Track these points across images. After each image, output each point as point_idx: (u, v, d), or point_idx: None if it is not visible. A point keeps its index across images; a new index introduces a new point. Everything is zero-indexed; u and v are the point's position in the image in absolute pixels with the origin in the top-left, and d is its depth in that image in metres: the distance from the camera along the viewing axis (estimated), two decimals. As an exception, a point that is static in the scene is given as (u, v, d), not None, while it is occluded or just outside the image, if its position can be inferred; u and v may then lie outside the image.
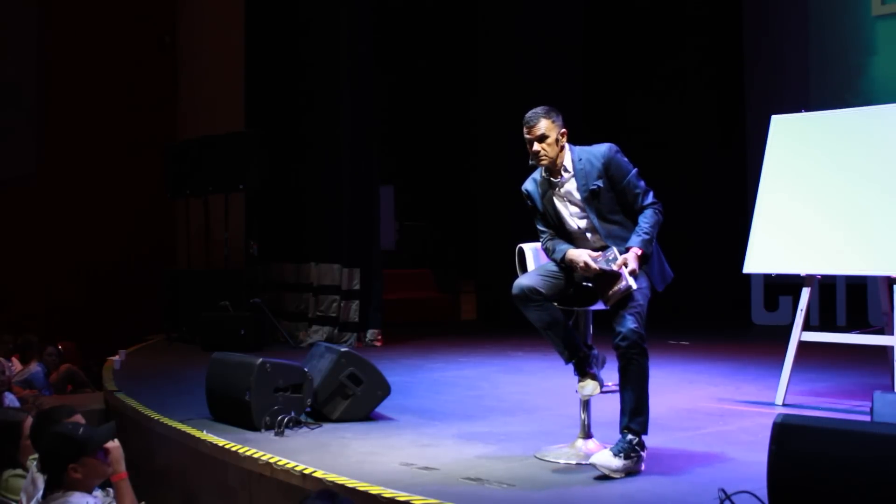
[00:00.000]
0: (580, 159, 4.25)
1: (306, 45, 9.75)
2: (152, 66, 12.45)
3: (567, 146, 4.29)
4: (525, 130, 4.24)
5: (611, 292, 4.01)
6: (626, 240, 4.17)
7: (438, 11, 12.67)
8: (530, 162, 4.29)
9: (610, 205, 4.22)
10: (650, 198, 4.24)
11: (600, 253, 4.15)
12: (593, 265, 4.09)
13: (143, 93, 12.26)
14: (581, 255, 4.14)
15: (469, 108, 11.92)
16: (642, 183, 4.25)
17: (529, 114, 4.24)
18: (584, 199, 4.23)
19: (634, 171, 4.25)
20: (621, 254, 4.07)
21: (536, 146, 4.22)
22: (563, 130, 4.25)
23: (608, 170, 4.21)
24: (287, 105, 9.98)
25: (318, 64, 9.57)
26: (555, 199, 4.31)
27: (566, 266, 4.21)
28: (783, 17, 11.58)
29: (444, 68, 12.77)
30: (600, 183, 4.19)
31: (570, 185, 4.26)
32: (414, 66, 12.79)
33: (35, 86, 12.00)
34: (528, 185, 4.42)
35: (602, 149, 4.26)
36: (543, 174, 4.33)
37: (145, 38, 12.41)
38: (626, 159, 4.26)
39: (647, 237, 4.14)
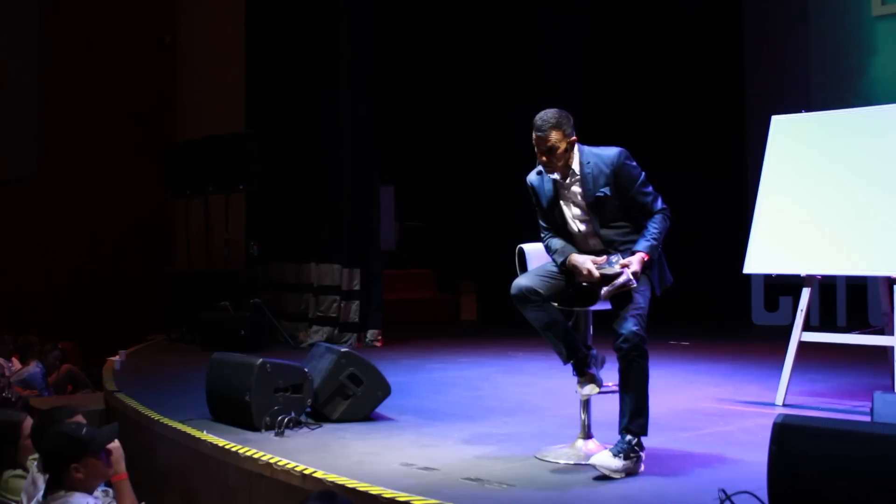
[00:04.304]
0: (588, 162, 4.19)
1: (306, 45, 9.75)
2: (152, 67, 12.45)
3: (576, 146, 4.23)
4: (534, 136, 4.17)
5: (610, 285, 4.00)
6: (626, 245, 4.16)
7: (438, 10, 12.67)
8: (538, 164, 4.27)
9: (613, 212, 4.19)
10: (659, 203, 4.20)
11: (604, 257, 4.14)
12: (596, 273, 4.08)
13: (143, 93, 12.27)
14: (585, 263, 4.12)
15: (469, 107, 11.92)
16: (650, 188, 4.21)
17: (540, 119, 4.15)
18: (589, 205, 4.20)
19: (642, 176, 4.20)
20: (626, 257, 4.07)
21: (544, 158, 4.17)
22: (574, 138, 4.17)
23: (617, 177, 4.15)
24: (287, 105, 9.98)
25: (318, 64, 9.57)
26: (560, 198, 4.29)
27: (567, 270, 4.20)
28: (783, 17, 11.58)
29: (444, 68, 12.78)
30: (607, 191, 4.15)
31: (576, 188, 4.23)
32: (414, 65, 12.80)
33: (35, 86, 12.00)
34: (533, 179, 4.37)
35: (612, 155, 4.19)
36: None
37: (145, 38, 12.42)
38: (634, 164, 4.20)
39: (654, 242, 4.11)
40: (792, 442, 2.95)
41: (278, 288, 9.92)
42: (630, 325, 3.97)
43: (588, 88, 11.21)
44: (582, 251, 4.24)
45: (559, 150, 4.14)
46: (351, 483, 3.87)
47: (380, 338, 9.04)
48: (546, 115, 4.16)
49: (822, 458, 2.88)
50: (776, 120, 6.13)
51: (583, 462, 4.14)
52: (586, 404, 4.38)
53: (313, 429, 5.05)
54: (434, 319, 11.34)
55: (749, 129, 11.25)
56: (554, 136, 4.13)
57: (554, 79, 10.66)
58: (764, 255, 5.89)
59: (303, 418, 5.12)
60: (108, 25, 12.16)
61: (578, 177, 4.22)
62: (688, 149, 11.15)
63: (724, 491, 3.41)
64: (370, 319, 9.04)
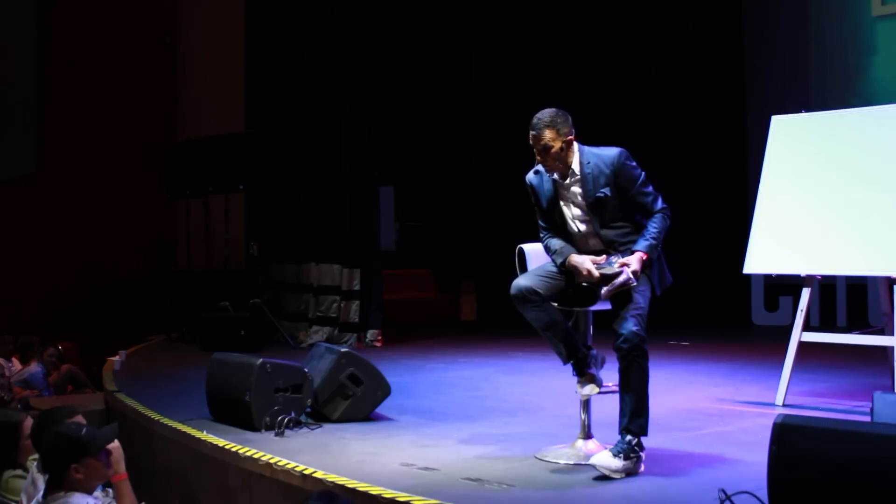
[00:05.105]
0: (588, 163, 4.19)
1: (306, 45, 9.75)
2: (152, 67, 12.45)
3: (576, 146, 4.23)
4: (530, 135, 4.19)
5: (610, 285, 4.00)
6: (626, 245, 4.16)
7: (438, 10, 12.67)
8: (537, 163, 4.29)
9: (614, 213, 4.20)
10: (659, 203, 4.20)
11: (604, 257, 4.14)
12: (596, 273, 4.07)
13: (143, 93, 12.27)
14: (584, 263, 4.12)
15: (469, 107, 11.93)
16: (650, 188, 4.22)
17: (536, 119, 4.17)
18: (589, 206, 4.20)
19: (643, 176, 4.21)
20: (625, 257, 4.08)
21: (540, 157, 4.19)
22: (570, 138, 4.17)
23: (618, 178, 4.16)
24: (287, 105, 9.98)
25: (318, 64, 9.58)
26: (560, 198, 4.29)
27: (567, 270, 4.20)
28: (783, 17, 11.57)
29: (443, 67, 12.78)
30: (608, 191, 4.15)
31: (576, 188, 4.23)
32: (414, 65, 12.79)
33: (35, 86, 12.00)
34: (532, 178, 4.37)
35: (612, 155, 4.19)
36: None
37: (145, 38, 12.42)
38: (634, 164, 4.21)
39: (653, 242, 4.12)
40: (792, 442, 2.95)
41: (278, 288, 9.92)
42: (630, 325, 3.97)
43: (588, 88, 11.20)
44: (582, 251, 4.24)
45: (553, 150, 4.16)
46: (351, 483, 3.87)
47: (380, 338, 9.04)
48: (541, 115, 4.18)
49: (822, 458, 2.88)
50: (776, 120, 6.13)
51: (583, 462, 4.14)
52: (586, 404, 4.38)
53: (313, 429, 5.05)
54: (434, 319, 11.34)
55: (749, 129, 11.24)
56: (548, 135, 4.14)
57: (554, 79, 10.65)
58: (764, 255, 5.89)
59: (303, 418, 5.12)
60: (108, 25, 12.16)
61: (578, 177, 4.22)
62: (688, 149, 11.14)
63: (724, 491, 3.41)
64: (370, 319, 9.03)
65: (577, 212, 4.27)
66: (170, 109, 12.44)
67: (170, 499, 5.22)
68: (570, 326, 4.27)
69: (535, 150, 4.20)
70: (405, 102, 12.68)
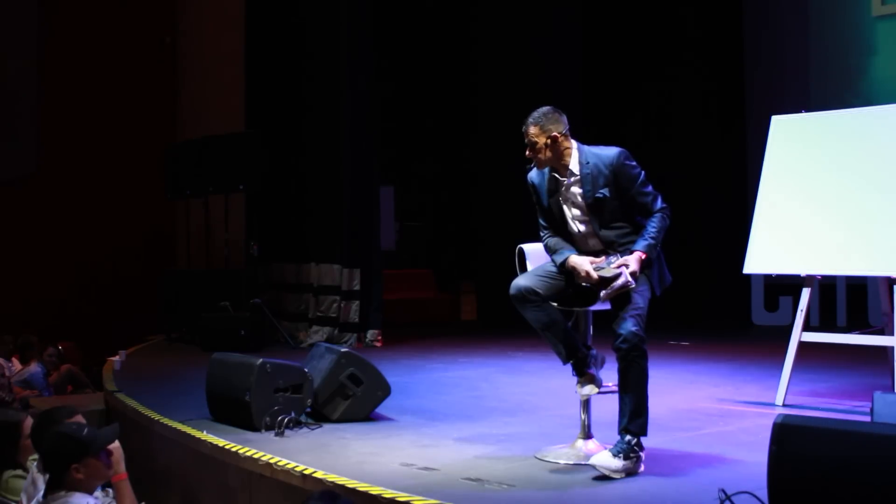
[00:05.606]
0: (587, 163, 4.20)
1: (306, 45, 9.75)
2: (152, 66, 12.45)
3: (575, 146, 4.24)
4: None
5: (609, 287, 4.01)
6: (626, 245, 4.16)
7: (438, 10, 12.67)
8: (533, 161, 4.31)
9: (613, 213, 4.20)
10: (659, 203, 4.20)
11: (603, 258, 4.14)
12: (594, 275, 4.07)
13: (143, 93, 12.27)
14: (583, 264, 4.12)
15: (469, 107, 11.93)
16: (650, 188, 4.22)
17: (528, 117, 4.23)
18: (589, 206, 4.20)
19: (642, 176, 4.20)
20: (624, 256, 4.08)
21: (528, 152, 4.23)
22: (555, 134, 4.17)
23: (617, 178, 4.16)
24: (287, 105, 9.98)
25: (318, 64, 9.58)
26: (559, 198, 4.29)
27: (567, 270, 4.20)
28: (783, 17, 11.57)
29: (443, 67, 12.78)
30: (607, 192, 4.15)
31: (575, 188, 4.23)
32: (414, 65, 12.79)
33: (35, 86, 12.00)
34: (534, 177, 4.38)
35: (611, 155, 4.19)
36: (550, 170, 4.31)
37: (145, 38, 12.42)
38: (634, 164, 4.21)
39: (652, 242, 4.12)
40: (792, 442, 2.95)
41: (278, 288, 9.92)
42: (629, 326, 3.97)
43: (587, 88, 11.21)
44: (581, 251, 4.24)
45: (538, 145, 4.19)
46: (351, 483, 3.87)
47: (380, 338, 9.04)
48: (533, 113, 4.22)
49: (822, 458, 2.88)
50: (776, 120, 6.13)
51: (583, 462, 4.14)
52: (586, 404, 4.38)
53: (313, 429, 5.05)
54: (434, 319, 11.34)
55: (749, 129, 11.24)
56: (532, 131, 4.19)
57: (554, 79, 10.65)
58: (764, 255, 5.89)
59: (303, 418, 5.12)
60: (108, 25, 12.17)
61: (578, 177, 4.22)
62: (688, 149, 11.15)
63: (724, 491, 3.41)
64: (370, 319, 9.04)
65: (576, 212, 4.27)
66: (170, 109, 12.45)
67: (170, 499, 5.22)
68: (569, 326, 4.27)
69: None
70: (405, 102, 12.67)
